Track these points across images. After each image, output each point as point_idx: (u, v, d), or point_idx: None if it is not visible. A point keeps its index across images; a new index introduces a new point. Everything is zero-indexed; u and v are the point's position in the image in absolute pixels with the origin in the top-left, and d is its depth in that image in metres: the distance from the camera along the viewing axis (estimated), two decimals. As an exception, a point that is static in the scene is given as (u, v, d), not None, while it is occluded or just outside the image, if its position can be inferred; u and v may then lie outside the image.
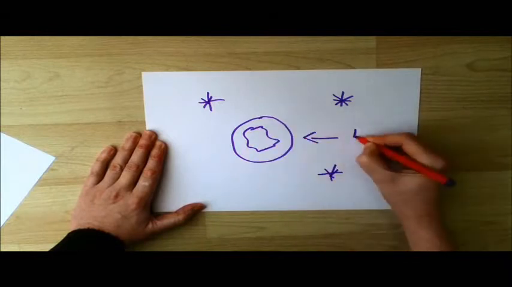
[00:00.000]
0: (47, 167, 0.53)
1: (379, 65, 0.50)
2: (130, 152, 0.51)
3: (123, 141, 0.52)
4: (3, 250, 0.54)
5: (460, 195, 0.53)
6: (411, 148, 0.46)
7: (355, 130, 0.51)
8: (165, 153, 0.52)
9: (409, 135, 0.47)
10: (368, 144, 0.49)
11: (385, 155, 0.48)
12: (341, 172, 0.52)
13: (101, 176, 0.51)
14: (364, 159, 0.48)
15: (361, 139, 0.51)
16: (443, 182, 0.45)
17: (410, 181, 0.46)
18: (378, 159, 0.47)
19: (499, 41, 0.49)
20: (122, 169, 0.50)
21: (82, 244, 0.47)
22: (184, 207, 0.53)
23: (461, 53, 0.49)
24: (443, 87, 0.50)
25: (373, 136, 0.50)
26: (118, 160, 0.51)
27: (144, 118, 0.51)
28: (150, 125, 0.51)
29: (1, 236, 0.54)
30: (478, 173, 0.52)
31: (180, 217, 0.52)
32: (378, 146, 0.48)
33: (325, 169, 0.52)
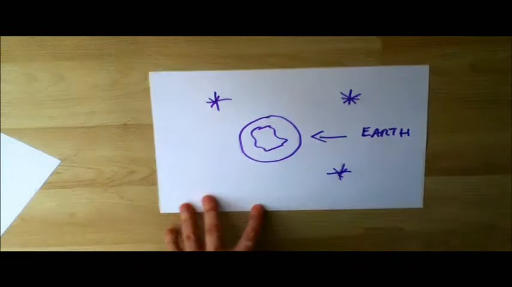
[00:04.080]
0: (52, 170, 0.52)
1: (382, 65, 0.50)
2: (192, 219, 0.52)
3: (179, 214, 0.53)
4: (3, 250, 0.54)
5: (461, 195, 0.53)
6: None
7: (363, 128, 0.51)
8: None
9: None
10: None
11: None
12: (350, 171, 0.52)
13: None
14: None
15: None
16: None
17: None
18: None
19: (499, 41, 0.49)
20: (196, 238, 0.51)
21: None
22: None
23: (462, 53, 0.49)
24: (443, 87, 0.50)
25: None
26: (187, 231, 0.51)
27: (149, 121, 0.51)
28: (157, 124, 0.51)
29: (5, 239, 0.54)
30: (478, 174, 0.52)
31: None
32: None
33: (334, 168, 0.52)
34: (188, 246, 0.51)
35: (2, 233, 0.54)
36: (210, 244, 0.50)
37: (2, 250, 0.54)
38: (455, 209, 0.53)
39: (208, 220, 0.51)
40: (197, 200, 0.53)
